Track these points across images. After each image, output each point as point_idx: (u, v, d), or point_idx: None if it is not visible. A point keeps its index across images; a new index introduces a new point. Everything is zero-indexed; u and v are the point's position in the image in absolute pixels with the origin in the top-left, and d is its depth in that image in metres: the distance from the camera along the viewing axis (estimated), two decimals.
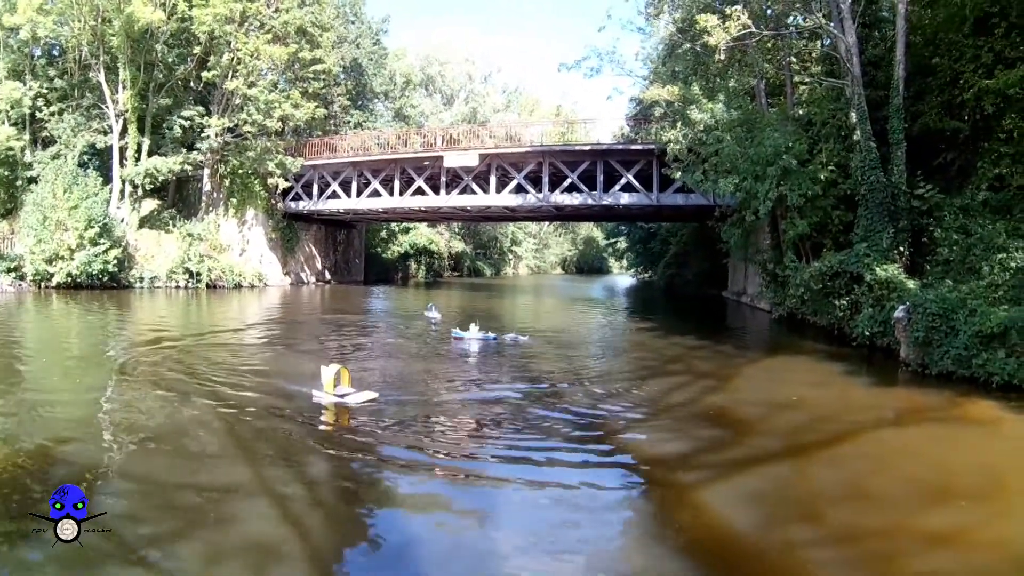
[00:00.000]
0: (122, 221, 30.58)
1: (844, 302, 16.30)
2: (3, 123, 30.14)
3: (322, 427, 8.10)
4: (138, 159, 30.89)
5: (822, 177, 18.45)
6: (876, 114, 17.80)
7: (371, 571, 4.79)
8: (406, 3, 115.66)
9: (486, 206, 32.99)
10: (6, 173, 30.70)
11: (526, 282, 64.55)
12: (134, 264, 30.25)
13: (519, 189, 30.73)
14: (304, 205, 35.82)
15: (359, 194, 34.38)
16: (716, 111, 21.21)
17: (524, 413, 8.93)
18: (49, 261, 26.67)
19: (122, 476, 6.25)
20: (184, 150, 31.89)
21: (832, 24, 18.69)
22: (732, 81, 22.75)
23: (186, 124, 31.79)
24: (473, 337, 15.46)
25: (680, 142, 22.60)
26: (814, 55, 23.90)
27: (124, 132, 31.02)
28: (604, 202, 29.30)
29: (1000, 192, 15.24)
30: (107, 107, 30.83)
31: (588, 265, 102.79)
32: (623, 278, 75.33)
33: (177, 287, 30.71)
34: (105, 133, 31.30)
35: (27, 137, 30.81)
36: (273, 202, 35.69)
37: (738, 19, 18.71)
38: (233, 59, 30.67)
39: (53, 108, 31.12)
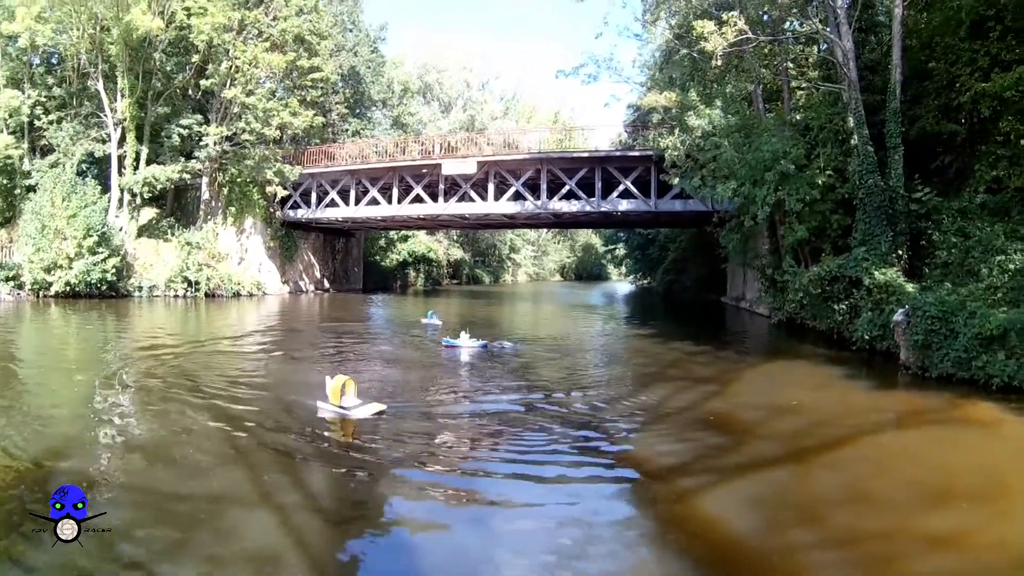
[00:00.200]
0: (120, 230, 30.55)
1: (843, 306, 16.30)
2: (2, 132, 30.16)
3: (322, 438, 8.02)
4: (136, 168, 30.88)
5: (820, 182, 18.45)
6: (873, 118, 17.84)
7: None
8: (403, 11, 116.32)
9: (484, 214, 32.98)
10: (4, 182, 30.70)
11: (525, 289, 64.53)
12: (133, 273, 30.22)
13: (517, 196, 30.74)
14: (303, 213, 35.82)
15: (357, 202, 34.39)
16: (714, 117, 21.25)
17: (524, 420, 8.90)
18: (48, 270, 26.68)
19: (121, 485, 6.21)
20: (182, 159, 31.89)
21: (828, 29, 18.77)
22: (729, 87, 22.82)
23: (184, 132, 31.81)
24: (464, 345, 15.49)
25: (678, 148, 22.65)
26: (811, 60, 23.96)
27: (122, 141, 31.02)
28: (602, 209, 29.31)
29: (998, 194, 15.25)
30: (105, 115, 30.86)
31: (587, 272, 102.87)
32: (622, 284, 75.42)
33: (176, 296, 30.65)
34: (103, 142, 31.31)
35: (25, 146, 30.83)
36: (271, 211, 35.68)
37: (735, 25, 18.75)
38: (231, 67, 30.75)
39: (52, 116, 31.18)
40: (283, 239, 36.96)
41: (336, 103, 41.63)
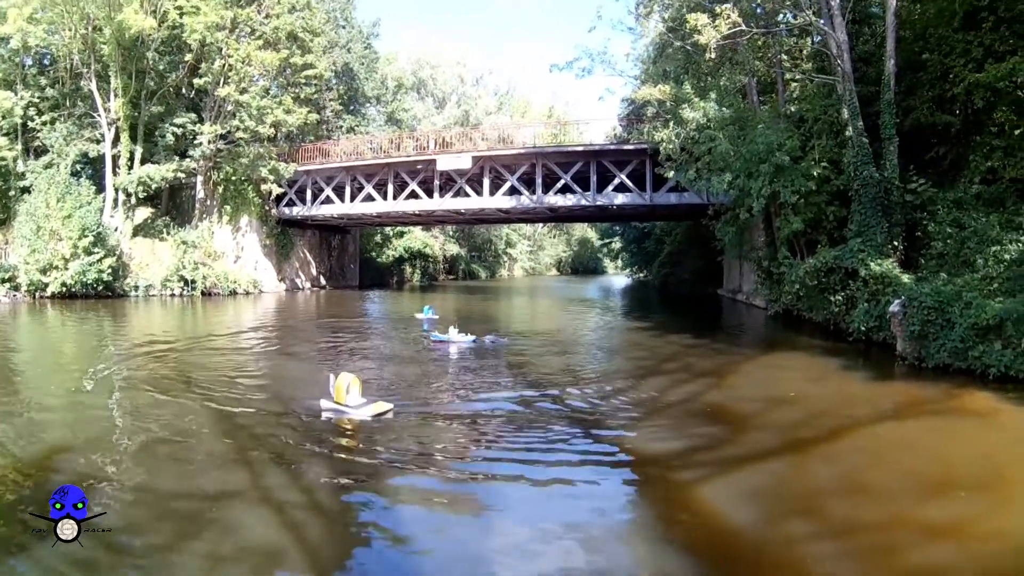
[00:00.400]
0: (116, 230, 30.43)
1: (839, 297, 16.35)
2: None
3: (322, 436, 8.01)
4: (131, 167, 30.73)
5: (815, 173, 18.49)
6: (868, 110, 17.86)
7: None
8: (396, 7, 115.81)
9: (480, 209, 32.92)
10: None
11: (521, 284, 64.55)
12: (129, 273, 30.14)
13: (512, 191, 30.69)
14: (298, 211, 35.74)
15: (353, 199, 34.31)
16: (708, 109, 21.26)
17: (522, 416, 8.91)
18: (43, 271, 26.58)
19: (121, 485, 6.19)
20: (177, 158, 31.71)
21: (822, 21, 18.77)
22: (723, 79, 22.84)
23: (178, 131, 31.63)
24: (453, 340, 15.52)
25: (673, 141, 22.65)
26: (805, 52, 23.95)
27: (116, 140, 30.88)
28: (598, 203, 29.28)
29: (992, 185, 15.32)
30: (99, 115, 30.72)
31: (583, 266, 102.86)
32: (618, 278, 75.46)
33: (172, 295, 30.60)
34: (97, 142, 31.16)
35: (19, 147, 30.66)
36: (267, 208, 35.57)
37: (728, 17, 18.74)
38: (224, 65, 30.57)
39: (45, 117, 30.98)
40: (279, 237, 36.86)
41: (330, 100, 41.53)
